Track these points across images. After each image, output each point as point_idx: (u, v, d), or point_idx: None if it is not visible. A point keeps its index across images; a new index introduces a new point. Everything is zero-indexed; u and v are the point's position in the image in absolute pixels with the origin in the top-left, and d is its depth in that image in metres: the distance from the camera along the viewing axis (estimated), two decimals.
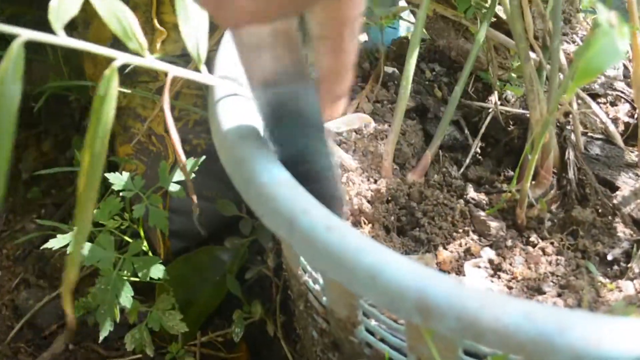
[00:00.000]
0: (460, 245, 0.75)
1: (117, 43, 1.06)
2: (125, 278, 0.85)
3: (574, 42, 0.97)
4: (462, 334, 0.45)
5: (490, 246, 0.75)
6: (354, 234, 0.49)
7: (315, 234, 0.50)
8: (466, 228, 0.76)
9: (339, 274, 0.49)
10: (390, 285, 0.46)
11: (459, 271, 0.73)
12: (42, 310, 1.11)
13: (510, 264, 0.72)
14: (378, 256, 0.48)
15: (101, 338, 0.84)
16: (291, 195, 0.52)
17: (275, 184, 0.53)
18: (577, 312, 0.43)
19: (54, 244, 0.86)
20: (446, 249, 0.75)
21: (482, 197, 0.80)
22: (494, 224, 0.76)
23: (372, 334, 0.64)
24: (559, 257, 0.73)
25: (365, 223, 0.76)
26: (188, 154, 1.05)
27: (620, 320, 0.43)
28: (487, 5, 0.90)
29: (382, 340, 0.63)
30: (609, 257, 0.74)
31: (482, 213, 0.78)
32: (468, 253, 0.74)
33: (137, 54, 1.04)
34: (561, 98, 0.72)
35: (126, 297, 0.84)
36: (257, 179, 0.54)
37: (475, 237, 0.76)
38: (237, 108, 0.62)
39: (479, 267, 0.73)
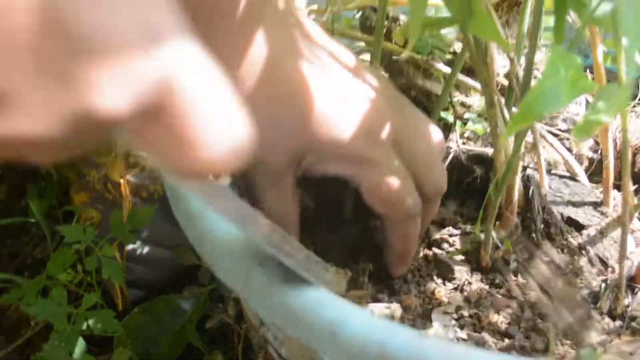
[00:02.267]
0: (424, 290, 0.74)
1: None
2: (79, 332, 0.82)
3: (535, 77, 0.96)
4: None
5: (455, 289, 0.74)
6: (312, 288, 0.48)
7: (271, 288, 0.48)
8: (430, 272, 0.75)
9: (297, 330, 0.47)
10: (350, 340, 0.45)
11: (424, 316, 0.71)
12: None
13: (477, 309, 0.71)
14: (338, 311, 0.46)
15: None
16: (245, 250, 0.51)
17: (229, 239, 0.51)
18: None
19: (11, 298, 0.84)
20: (411, 295, 0.73)
21: (446, 239, 0.79)
22: (457, 267, 0.75)
23: None
24: (526, 299, 0.72)
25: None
26: (145, 201, 1.03)
27: None
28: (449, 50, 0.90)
29: None
30: (577, 298, 0.72)
31: (445, 256, 0.76)
32: (433, 297, 0.73)
33: None
34: (502, 140, 0.71)
35: (80, 353, 0.81)
36: (210, 233, 0.52)
37: (439, 280, 0.75)
38: None
39: (447, 312, 0.71)
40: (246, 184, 0.66)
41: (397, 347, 0.44)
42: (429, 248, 0.78)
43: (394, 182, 0.65)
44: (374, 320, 0.45)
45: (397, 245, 0.71)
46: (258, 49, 0.60)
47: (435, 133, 0.72)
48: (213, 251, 0.51)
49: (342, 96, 0.63)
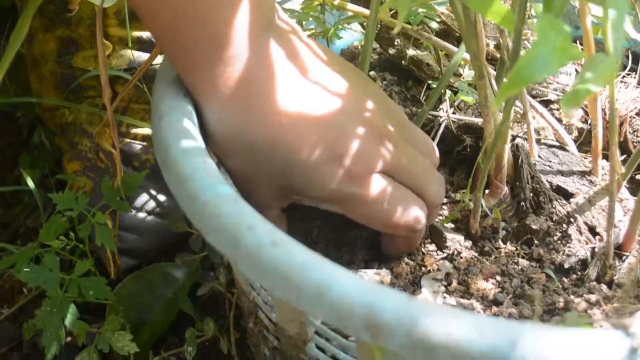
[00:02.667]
0: (415, 256, 0.74)
1: (62, 56, 1.04)
2: (72, 299, 0.83)
3: (525, 48, 0.96)
4: (413, 351, 0.44)
5: (445, 258, 0.74)
6: (300, 250, 0.48)
7: (261, 250, 0.48)
8: (422, 240, 0.75)
9: (286, 292, 0.47)
10: (338, 302, 0.45)
11: (414, 283, 0.72)
12: None
13: (466, 276, 0.71)
14: (325, 272, 0.46)
15: None
16: (235, 212, 0.51)
17: (218, 201, 0.52)
18: (528, 325, 0.42)
19: (3, 265, 0.84)
20: (401, 262, 0.73)
21: None
22: (450, 235, 0.75)
23: (323, 351, 0.63)
24: (514, 267, 0.73)
25: None
26: (137, 170, 1.04)
27: (571, 331, 0.42)
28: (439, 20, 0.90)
29: (333, 357, 0.62)
30: (566, 266, 0.73)
31: (439, 224, 0.77)
32: (423, 265, 0.73)
33: (84, 68, 1.03)
34: (492, 108, 0.71)
35: (72, 320, 0.82)
36: (200, 196, 0.52)
37: (432, 247, 0.75)
38: (181, 122, 0.60)
39: (436, 279, 0.71)
40: None
41: (385, 309, 0.44)
42: None
43: (384, 212, 0.66)
44: (362, 282, 0.45)
45: (400, 247, 0.73)
46: (241, 83, 0.60)
47: (430, 144, 0.74)
48: (202, 214, 0.52)
49: (326, 131, 0.63)
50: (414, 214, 0.68)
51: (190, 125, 0.60)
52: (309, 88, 0.62)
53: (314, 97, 0.62)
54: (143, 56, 1.03)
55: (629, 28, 0.61)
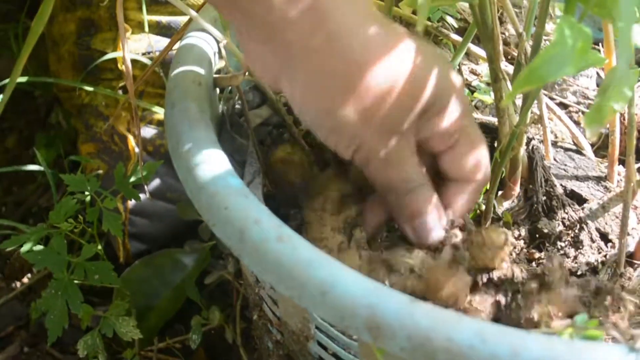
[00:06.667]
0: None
1: (81, 38, 1.04)
2: (78, 283, 0.83)
3: None
4: (413, 354, 0.43)
5: None
6: (306, 246, 0.48)
7: (266, 245, 0.48)
8: None
9: (289, 288, 0.47)
10: (340, 301, 0.45)
11: None
12: None
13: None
14: (330, 270, 0.46)
15: (49, 343, 0.83)
16: (243, 205, 0.51)
17: (227, 193, 0.51)
18: (532, 335, 0.42)
19: (11, 244, 0.85)
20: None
21: None
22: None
23: (325, 348, 0.63)
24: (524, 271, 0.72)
25: None
26: (151, 155, 1.04)
27: (574, 343, 0.41)
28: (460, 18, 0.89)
29: (335, 355, 0.62)
30: (576, 272, 0.72)
31: None
32: None
33: (102, 50, 1.03)
34: (503, 103, 0.71)
35: (76, 303, 0.81)
36: (209, 187, 0.52)
37: None
38: (194, 111, 0.60)
39: None
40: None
41: (387, 311, 0.44)
42: None
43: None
44: (365, 282, 0.45)
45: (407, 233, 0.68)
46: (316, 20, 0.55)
47: None
48: (210, 205, 0.51)
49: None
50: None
51: (203, 114, 0.59)
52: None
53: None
54: (161, 40, 1.03)
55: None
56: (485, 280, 0.58)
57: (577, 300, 0.56)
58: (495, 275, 0.57)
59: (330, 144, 0.59)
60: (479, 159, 0.64)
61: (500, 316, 0.57)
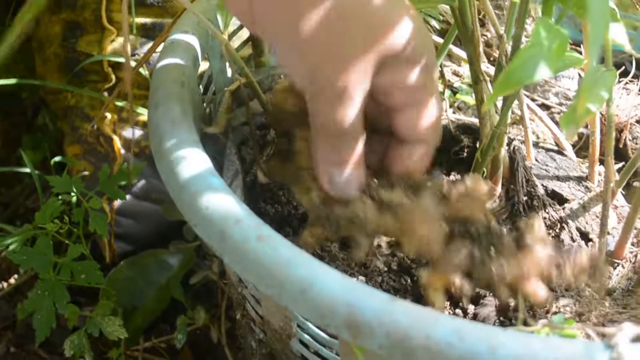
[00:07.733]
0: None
1: (66, 40, 1.04)
2: (66, 283, 0.83)
3: None
4: (392, 351, 0.44)
5: None
6: (286, 245, 0.48)
7: (247, 244, 0.48)
8: None
9: (270, 287, 0.48)
10: (320, 299, 0.45)
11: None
12: None
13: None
14: (309, 269, 0.47)
15: (37, 344, 0.83)
16: (224, 204, 0.51)
17: (208, 193, 0.52)
18: (509, 332, 0.42)
19: None
20: None
21: None
22: None
23: (307, 346, 0.63)
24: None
25: None
26: (136, 156, 1.04)
27: (551, 340, 0.42)
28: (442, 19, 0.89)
29: (317, 353, 0.62)
30: None
31: None
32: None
33: (88, 52, 1.03)
34: (484, 107, 0.71)
35: (63, 303, 0.82)
36: (190, 186, 0.53)
37: None
38: (177, 111, 0.60)
39: None
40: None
41: (366, 309, 0.44)
42: None
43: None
44: (345, 281, 0.46)
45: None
46: None
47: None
48: (191, 205, 0.52)
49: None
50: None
51: (186, 115, 0.60)
52: None
53: None
54: (146, 43, 1.03)
55: (624, 38, 0.60)
56: (462, 230, 0.57)
57: (551, 260, 0.55)
58: (472, 227, 0.57)
59: (289, 65, 0.57)
60: (434, 121, 0.62)
61: (472, 270, 0.56)
